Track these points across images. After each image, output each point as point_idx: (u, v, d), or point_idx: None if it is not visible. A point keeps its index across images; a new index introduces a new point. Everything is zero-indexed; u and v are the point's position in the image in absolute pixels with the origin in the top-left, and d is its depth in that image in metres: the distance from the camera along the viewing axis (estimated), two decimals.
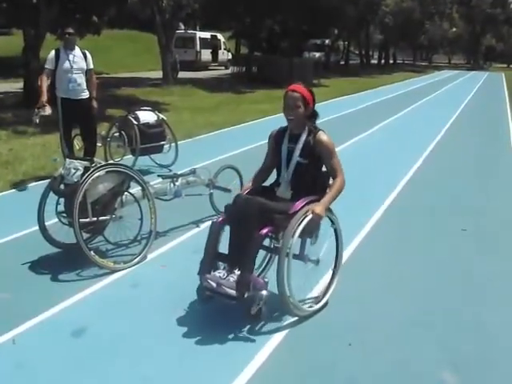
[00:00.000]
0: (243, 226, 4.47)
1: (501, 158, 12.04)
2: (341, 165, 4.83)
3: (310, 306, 4.79)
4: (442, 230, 7.01)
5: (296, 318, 4.64)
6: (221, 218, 4.73)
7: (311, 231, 4.66)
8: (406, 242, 6.55)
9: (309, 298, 4.93)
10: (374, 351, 4.24)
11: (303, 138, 4.83)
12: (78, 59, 8.29)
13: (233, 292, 4.36)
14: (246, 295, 4.36)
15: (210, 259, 4.64)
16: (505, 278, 5.68)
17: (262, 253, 4.99)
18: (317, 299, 4.91)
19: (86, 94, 8.42)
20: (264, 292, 4.38)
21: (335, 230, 4.96)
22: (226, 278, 4.44)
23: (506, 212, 7.93)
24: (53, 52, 8.22)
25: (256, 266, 4.85)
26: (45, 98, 8.08)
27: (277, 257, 4.57)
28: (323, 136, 4.80)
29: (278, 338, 4.38)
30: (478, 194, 8.90)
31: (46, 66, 8.17)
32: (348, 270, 5.33)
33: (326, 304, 4.89)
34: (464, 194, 8.81)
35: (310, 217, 4.46)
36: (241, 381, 3.81)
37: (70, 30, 8.30)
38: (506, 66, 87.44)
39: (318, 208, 4.49)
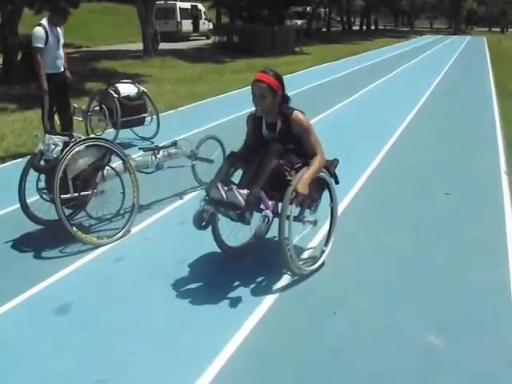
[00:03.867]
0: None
1: (483, 120, 12.07)
2: (319, 142, 4.86)
3: (309, 266, 4.89)
4: (426, 193, 7.03)
5: (282, 285, 4.68)
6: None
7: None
8: (390, 208, 6.56)
9: (307, 258, 5.02)
10: (359, 319, 4.25)
11: (278, 126, 4.83)
12: (60, 35, 8.29)
13: (241, 201, 4.41)
14: (250, 212, 4.46)
15: (222, 177, 4.68)
16: (489, 242, 5.71)
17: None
18: (314, 259, 5.00)
19: (62, 67, 8.45)
20: (270, 213, 4.44)
21: (330, 193, 5.10)
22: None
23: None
24: (41, 29, 8.00)
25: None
26: (46, 86, 8.05)
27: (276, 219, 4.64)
28: (297, 116, 4.79)
29: (264, 306, 4.38)
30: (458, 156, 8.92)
31: (39, 45, 7.94)
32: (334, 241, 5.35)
33: (322, 264, 4.98)
34: (445, 158, 8.82)
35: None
36: (228, 350, 3.81)
37: (66, 15, 8.25)
38: (487, 29, 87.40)
39: (300, 187, 4.51)
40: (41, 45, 7.96)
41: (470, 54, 34.56)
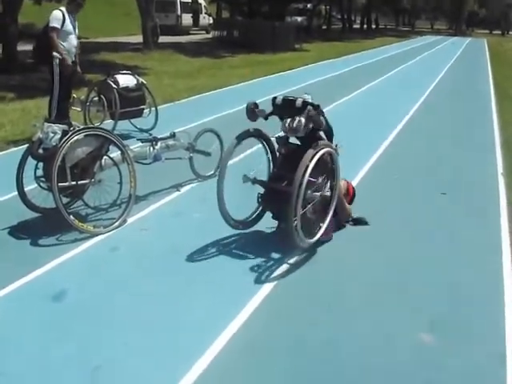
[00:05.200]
0: None
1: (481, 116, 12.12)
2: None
3: (310, 239, 4.99)
4: (421, 191, 7.07)
5: (280, 274, 4.75)
6: None
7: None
8: (388, 203, 6.60)
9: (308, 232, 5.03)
10: (353, 313, 4.29)
11: None
12: (76, 24, 8.57)
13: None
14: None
15: None
16: (482, 239, 5.77)
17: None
18: (314, 233, 5.10)
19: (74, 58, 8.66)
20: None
21: (334, 171, 5.27)
22: None
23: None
24: (59, 12, 8.33)
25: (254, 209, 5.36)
26: (69, 60, 8.33)
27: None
28: None
29: (261, 294, 4.44)
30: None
31: (55, 25, 8.22)
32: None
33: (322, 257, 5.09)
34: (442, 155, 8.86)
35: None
36: (224, 338, 3.85)
37: (81, 1, 8.52)
38: (488, 31, 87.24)
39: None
40: (57, 25, 8.21)
41: (470, 54, 34.62)
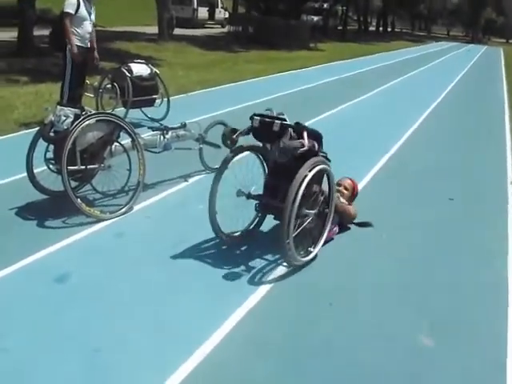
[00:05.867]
0: None
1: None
2: None
3: (303, 257, 4.91)
4: (430, 196, 7.07)
5: (278, 275, 4.73)
6: None
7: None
8: (398, 202, 6.61)
9: (301, 249, 4.96)
10: (354, 312, 4.30)
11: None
12: (92, 10, 8.58)
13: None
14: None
15: None
16: (484, 239, 5.78)
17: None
18: (308, 251, 5.00)
19: (89, 44, 8.70)
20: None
21: (329, 185, 5.16)
22: None
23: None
24: None
25: (250, 221, 5.34)
26: (75, 49, 8.30)
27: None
28: None
29: (259, 294, 4.42)
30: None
31: (69, 10, 8.24)
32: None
33: (315, 256, 5.01)
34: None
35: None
36: (220, 333, 3.86)
37: None
38: (505, 41, 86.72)
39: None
40: (71, 11, 8.23)
41: (485, 63, 34.51)
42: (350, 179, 6.04)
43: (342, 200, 5.71)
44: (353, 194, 5.95)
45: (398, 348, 3.88)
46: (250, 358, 3.67)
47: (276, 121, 4.92)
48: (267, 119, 4.99)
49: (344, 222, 5.71)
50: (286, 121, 4.96)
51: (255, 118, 5.03)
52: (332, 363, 3.66)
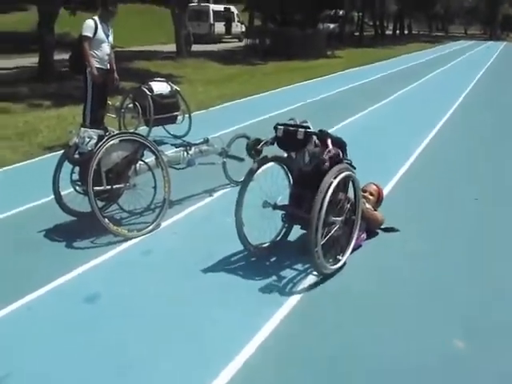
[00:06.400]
0: None
1: None
2: None
3: (332, 265, 4.89)
4: (457, 198, 7.03)
5: (308, 284, 4.72)
6: None
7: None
8: (420, 213, 6.57)
9: (330, 257, 4.95)
10: (386, 318, 4.28)
11: None
12: (110, 32, 8.68)
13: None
14: None
15: None
16: None
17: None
18: (337, 259, 4.98)
19: (109, 66, 8.78)
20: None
21: (354, 192, 5.16)
22: None
23: None
24: (91, 21, 8.45)
25: (277, 232, 5.35)
26: (95, 71, 8.39)
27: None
28: None
29: (289, 304, 4.41)
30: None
31: (87, 34, 8.36)
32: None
33: (344, 263, 4.99)
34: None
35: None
36: (253, 345, 3.86)
37: (113, 8, 8.61)
38: None
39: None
40: (89, 34, 8.34)
41: (505, 59, 34.24)
42: (375, 185, 6.02)
43: (368, 206, 5.69)
44: (378, 200, 5.93)
45: (433, 353, 3.84)
46: (284, 368, 3.66)
47: (300, 129, 4.94)
48: (291, 128, 5.02)
49: (371, 228, 5.69)
50: (309, 128, 4.98)
51: (279, 127, 5.06)
52: (367, 369, 3.64)
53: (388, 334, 4.05)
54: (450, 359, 3.78)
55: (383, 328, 4.12)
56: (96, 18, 8.50)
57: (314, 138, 4.90)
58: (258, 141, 5.13)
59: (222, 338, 3.92)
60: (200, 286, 4.65)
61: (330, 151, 4.77)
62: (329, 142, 4.88)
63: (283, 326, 4.10)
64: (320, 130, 4.99)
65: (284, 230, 5.40)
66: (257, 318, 4.17)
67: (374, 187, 5.97)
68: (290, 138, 4.97)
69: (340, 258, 4.99)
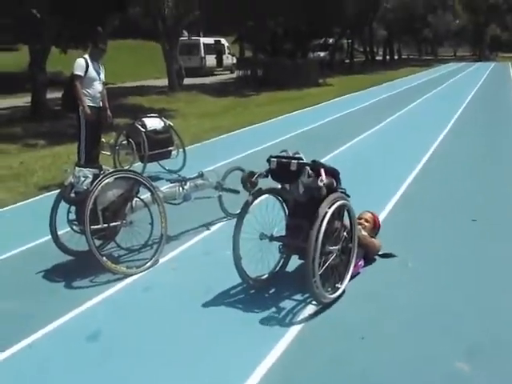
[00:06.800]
0: None
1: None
2: None
3: (331, 294, 4.90)
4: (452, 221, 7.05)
5: (308, 314, 4.71)
6: None
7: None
8: (416, 233, 6.59)
9: (328, 286, 4.95)
10: (387, 344, 4.27)
11: None
12: (100, 70, 8.74)
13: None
14: None
15: None
16: None
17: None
18: (335, 287, 4.98)
19: (101, 104, 8.80)
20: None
21: (350, 220, 5.19)
22: None
23: None
24: (82, 59, 8.50)
25: (275, 263, 5.37)
26: (88, 110, 8.40)
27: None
28: None
29: (290, 335, 4.41)
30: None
31: (78, 73, 8.40)
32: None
33: (343, 292, 5.00)
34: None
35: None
36: (255, 377, 3.86)
37: (103, 46, 8.68)
38: None
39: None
40: (80, 73, 8.37)
41: (495, 79, 34.50)
42: (371, 212, 6.06)
43: (365, 233, 5.71)
44: (374, 227, 5.95)
45: (436, 378, 3.84)
46: None
47: (293, 161, 4.98)
48: (284, 160, 5.06)
49: (369, 255, 5.70)
50: (302, 160, 5.02)
51: (272, 159, 5.10)
52: None
53: (390, 361, 4.04)
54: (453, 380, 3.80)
55: (384, 355, 4.12)
56: (86, 56, 8.56)
57: (308, 168, 4.93)
58: (252, 173, 5.16)
59: (222, 374, 3.91)
60: (200, 322, 4.64)
61: (322, 180, 4.81)
62: (322, 171, 4.92)
63: (285, 358, 4.09)
64: (313, 161, 5.03)
65: (282, 260, 5.41)
66: (258, 351, 4.15)
67: (370, 215, 6.01)
68: (284, 169, 5.01)
69: (339, 286, 4.99)
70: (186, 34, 40.37)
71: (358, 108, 20.14)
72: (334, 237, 4.93)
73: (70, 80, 8.70)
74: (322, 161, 5.18)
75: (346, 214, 5.18)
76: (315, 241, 4.54)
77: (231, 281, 5.22)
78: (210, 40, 43.73)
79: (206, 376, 3.89)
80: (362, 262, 5.54)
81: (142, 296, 5.17)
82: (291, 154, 5.18)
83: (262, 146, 11.66)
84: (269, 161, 5.13)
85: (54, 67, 22.41)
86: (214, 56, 43.49)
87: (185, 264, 5.84)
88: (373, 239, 5.78)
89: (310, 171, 4.94)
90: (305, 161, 5.01)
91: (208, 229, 6.80)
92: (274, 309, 4.81)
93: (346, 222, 5.20)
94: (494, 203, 7.79)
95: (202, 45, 41.46)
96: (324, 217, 4.64)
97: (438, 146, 12.13)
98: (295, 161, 4.98)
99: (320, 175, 4.89)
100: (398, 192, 8.36)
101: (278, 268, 5.41)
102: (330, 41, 50.30)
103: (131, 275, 5.51)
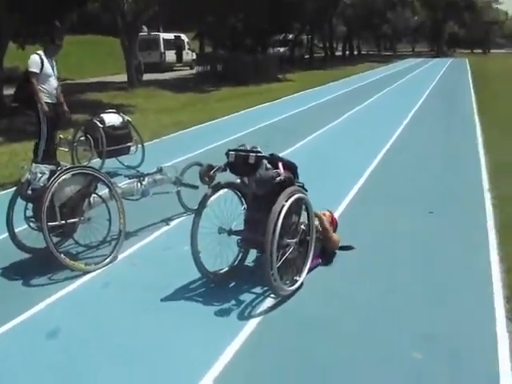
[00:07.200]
0: None
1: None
2: None
3: (290, 286, 4.95)
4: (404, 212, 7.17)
5: (267, 307, 4.77)
6: None
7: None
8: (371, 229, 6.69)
9: (286, 279, 5.00)
10: (347, 338, 4.33)
11: None
12: (55, 67, 8.66)
13: None
14: None
15: None
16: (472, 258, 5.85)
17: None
18: (294, 280, 5.05)
19: (56, 99, 8.73)
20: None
21: (307, 213, 5.25)
22: None
23: None
24: (36, 56, 8.41)
25: (234, 257, 5.39)
26: (46, 107, 8.35)
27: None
28: None
29: (248, 328, 4.46)
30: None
31: (34, 70, 8.33)
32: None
33: (302, 284, 5.06)
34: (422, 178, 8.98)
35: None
36: (215, 370, 3.89)
37: (59, 42, 8.61)
38: (469, 51, 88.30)
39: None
40: (36, 70, 8.31)
41: (453, 73, 35.00)
42: (328, 211, 6.12)
43: (328, 225, 5.77)
44: (331, 224, 6.00)
45: (393, 369, 3.93)
46: None
47: (251, 154, 5.01)
48: (242, 153, 5.09)
49: (329, 249, 5.77)
50: (260, 153, 5.05)
51: (230, 153, 5.13)
52: None
53: (347, 353, 4.11)
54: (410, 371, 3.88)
55: (342, 348, 4.19)
56: (41, 52, 8.49)
57: (265, 161, 4.97)
58: (211, 167, 5.18)
59: (182, 367, 3.94)
60: (160, 317, 4.65)
61: (280, 173, 4.86)
62: (280, 165, 4.97)
63: (244, 350, 4.14)
64: (271, 154, 5.07)
65: (241, 254, 5.45)
66: (217, 344, 4.19)
67: (327, 212, 6.06)
68: (242, 163, 5.05)
69: (297, 278, 5.06)
70: (145, 29, 40.00)
71: (317, 103, 20.28)
72: (291, 230, 5.00)
73: (23, 76, 8.61)
74: (281, 155, 5.24)
75: (304, 207, 5.24)
76: (272, 234, 4.58)
77: (191, 275, 5.24)
78: (170, 35, 43.40)
79: (165, 370, 3.91)
80: (320, 256, 5.60)
81: (101, 292, 5.16)
82: (249, 148, 5.21)
83: (221, 141, 11.65)
84: (227, 154, 5.16)
85: (11, 63, 22.08)
86: (174, 51, 43.17)
87: (144, 259, 5.83)
88: (333, 233, 5.85)
89: (268, 164, 4.98)
90: (263, 154, 5.06)
91: (167, 224, 6.80)
92: (233, 302, 4.86)
93: (305, 215, 5.26)
94: (451, 196, 7.94)
95: (161, 40, 41.11)
96: (281, 210, 4.69)
97: (395, 140, 12.33)
98: (253, 154, 5.02)
99: (278, 168, 4.95)
100: (355, 186, 8.47)
101: (237, 262, 5.44)
102: (290, 36, 50.39)
103: (90, 272, 5.49)
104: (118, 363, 3.99)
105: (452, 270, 5.51)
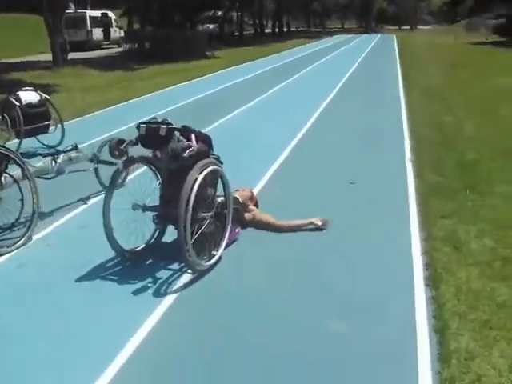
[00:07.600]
0: None
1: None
2: None
3: (207, 261, 4.92)
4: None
5: (186, 282, 4.75)
6: None
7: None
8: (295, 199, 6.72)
9: (204, 254, 4.97)
10: (263, 309, 4.35)
11: None
12: None
13: None
14: None
15: None
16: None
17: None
18: (211, 255, 5.02)
19: None
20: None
21: (223, 186, 5.21)
22: None
23: None
24: None
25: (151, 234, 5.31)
26: None
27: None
28: None
29: (165, 304, 4.44)
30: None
31: None
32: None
33: (219, 258, 5.05)
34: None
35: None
36: (130, 347, 3.86)
37: None
38: (397, 27, 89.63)
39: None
40: None
41: (381, 46, 35.50)
42: (249, 189, 6.10)
43: (253, 208, 5.76)
44: (251, 200, 5.97)
45: (310, 336, 3.96)
46: (162, 368, 3.68)
47: (162, 126, 4.92)
48: (153, 125, 5.00)
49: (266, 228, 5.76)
50: (171, 125, 4.97)
51: (141, 126, 5.04)
52: (247, 361, 3.71)
53: (266, 326, 4.12)
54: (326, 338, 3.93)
55: (260, 318, 4.20)
56: None
57: (177, 134, 4.90)
58: (122, 141, 5.08)
59: (97, 345, 3.89)
60: (74, 297, 4.57)
61: (191, 145, 4.79)
62: (192, 137, 4.90)
63: (161, 326, 4.11)
64: (183, 126, 5.00)
65: (157, 231, 5.37)
66: (133, 321, 4.15)
67: (248, 189, 6.04)
68: (153, 135, 4.96)
69: (214, 253, 5.02)
70: (72, 7, 39.10)
71: (243, 79, 20.32)
72: (207, 203, 4.95)
73: None
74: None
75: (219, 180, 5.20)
76: (185, 208, 4.52)
77: (107, 254, 5.15)
78: (97, 13, 42.54)
79: (80, 350, 3.84)
80: (239, 230, 5.58)
81: (15, 273, 5.03)
82: (159, 121, 5.13)
83: (143, 118, 11.46)
84: (138, 127, 5.06)
85: None
86: (101, 29, 42.40)
87: (60, 240, 5.71)
88: (266, 215, 5.83)
89: (181, 137, 4.91)
90: (174, 126, 4.98)
91: (85, 203, 6.66)
92: (149, 279, 4.81)
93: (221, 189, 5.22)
94: (371, 168, 8.06)
95: (88, 18, 40.22)
96: (194, 183, 4.62)
97: (319, 113, 12.44)
98: (164, 126, 4.93)
99: (191, 140, 4.88)
100: (277, 160, 8.50)
101: (153, 239, 5.37)
102: (220, 13, 50.12)
103: (3, 254, 5.33)
104: (31, 346, 3.90)
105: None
